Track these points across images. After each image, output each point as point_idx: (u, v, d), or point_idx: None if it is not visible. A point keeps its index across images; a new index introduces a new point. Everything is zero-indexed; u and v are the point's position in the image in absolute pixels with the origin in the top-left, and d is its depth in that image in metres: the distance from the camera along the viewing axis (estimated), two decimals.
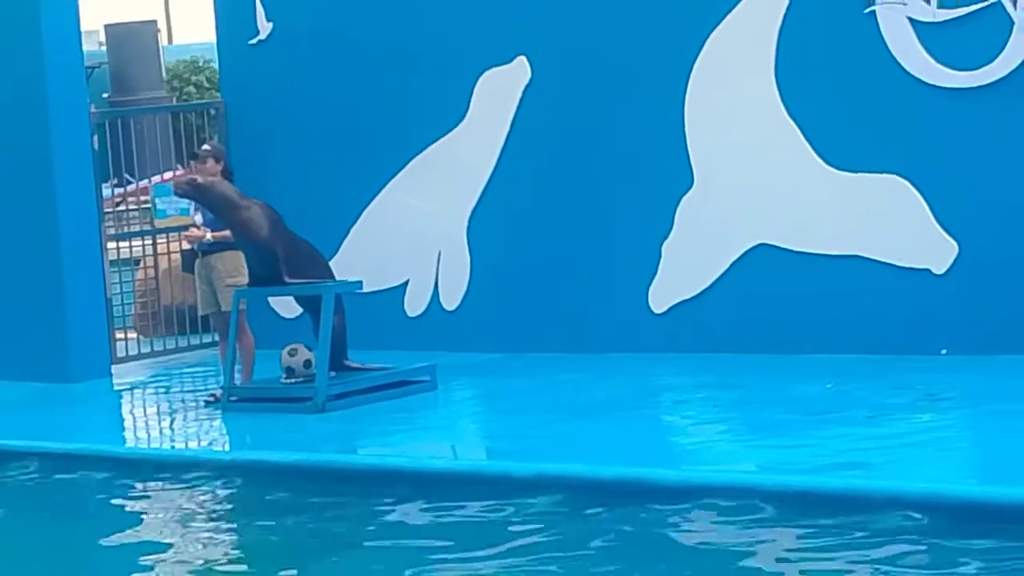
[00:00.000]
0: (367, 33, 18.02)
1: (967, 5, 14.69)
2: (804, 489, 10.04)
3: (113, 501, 13.02)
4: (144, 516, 12.60)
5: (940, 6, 14.93)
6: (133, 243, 21.04)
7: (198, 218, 16.13)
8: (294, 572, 10.37)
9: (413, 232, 17.73)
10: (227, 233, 15.40)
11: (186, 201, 17.71)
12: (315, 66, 18.38)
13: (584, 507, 10.72)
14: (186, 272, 17.54)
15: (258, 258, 15.24)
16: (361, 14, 18.21)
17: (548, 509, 10.84)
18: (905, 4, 15.02)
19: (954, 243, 14.61)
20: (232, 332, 15.53)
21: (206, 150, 16.74)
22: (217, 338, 16.86)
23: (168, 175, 22.42)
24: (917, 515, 9.32)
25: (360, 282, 15.72)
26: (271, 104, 18.82)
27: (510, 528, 10.59)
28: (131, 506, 12.91)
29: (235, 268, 15.52)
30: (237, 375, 15.63)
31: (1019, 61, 14.37)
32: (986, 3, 14.57)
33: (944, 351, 14.46)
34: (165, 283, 20.34)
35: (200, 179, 15.54)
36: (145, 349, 19.52)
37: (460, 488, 11.58)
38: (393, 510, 11.50)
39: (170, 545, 11.53)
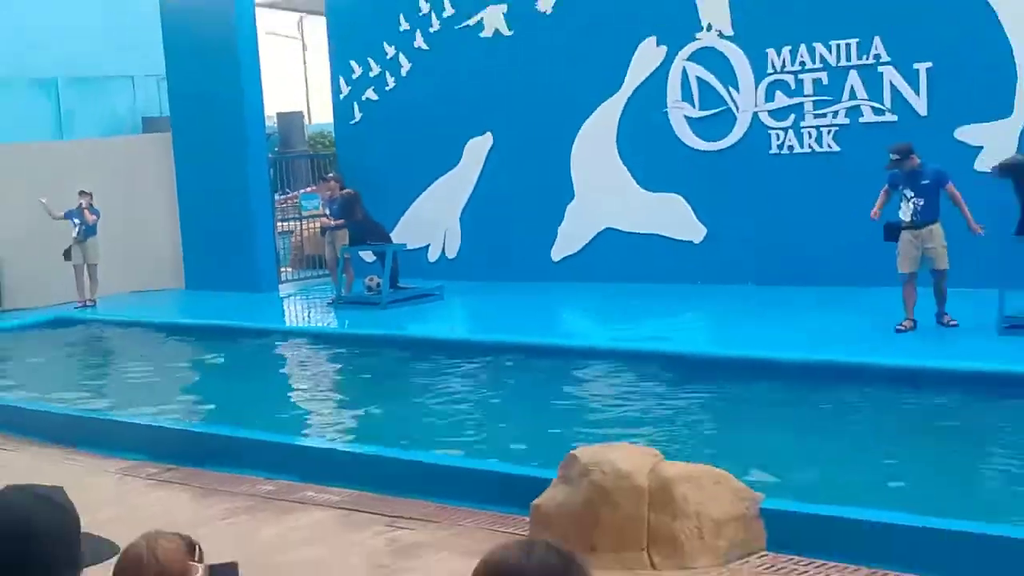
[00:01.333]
0: (415, 118, 19.06)
1: (711, 109, 16.23)
2: None
3: (274, 353, 14.87)
4: (291, 361, 14.62)
5: (699, 107, 16.30)
6: (290, 223, 22.77)
7: (326, 211, 18.43)
8: (376, 397, 11.88)
9: (432, 219, 19.32)
10: (341, 222, 17.49)
11: (318, 201, 20.13)
12: (382, 135, 19.76)
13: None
14: (322, 237, 18.75)
15: (356, 230, 17.46)
16: (407, 115, 19.17)
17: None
18: (683, 107, 16.46)
19: None
20: (340, 267, 17.78)
21: (331, 175, 18.78)
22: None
23: (308, 189, 23.59)
24: None
25: (404, 244, 18.30)
26: (362, 154, 20.11)
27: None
28: (285, 354, 14.83)
29: (345, 237, 17.66)
30: (343, 290, 17.73)
31: (743, 132, 15.93)
32: (721, 109, 16.20)
33: None
34: (305, 244, 22.20)
35: (343, 196, 17.51)
36: (294, 277, 21.41)
37: (458, 351, 13.03)
38: (420, 362, 13.01)
39: (300, 375, 13.84)
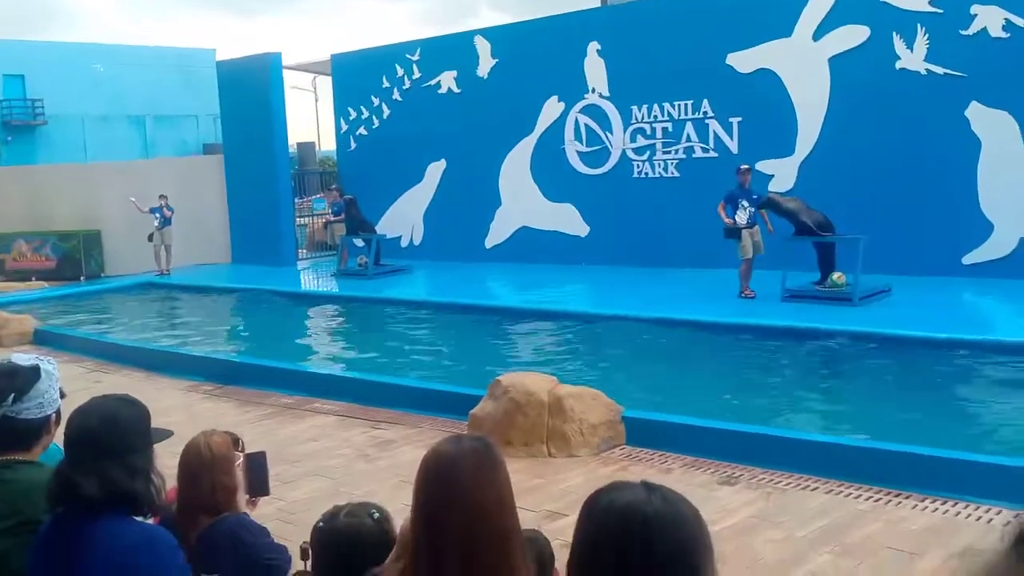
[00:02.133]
0: (392, 148, 18.64)
1: (594, 146, 15.91)
2: None
3: (293, 308, 13.89)
4: (305, 313, 13.62)
5: (586, 145, 15.93)
6: (305, 219, 22.11)
7: (330, 211, 18.16)
8: (364, 339, 11.77)
9: (404, 217, 18.85)
10: (340, 218, 17.26)
11: (325, 204, 19.32)
12: (370, 159, 19.27)
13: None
14: (326, 228, 18.97)
15: (351, 224, 17.07)
16: (387, 145, 18.58)
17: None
18: (575, 144, 16.08)
19: None
20: (339, 251, 17.51)
21: (334, 187, 18.64)
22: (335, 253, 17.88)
23: (319, 195, 23.56)
24: None
25: (385, 234, 17.66)
26: (356, 172, 19.55)
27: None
28: (301, 308, 13.93)
29: (343, 229, 17.37)
30: (341, 265, 17.23)
31: (615, 162, 15.55)
32: (600, 147, 15.82)
33: None
34: (315, 233, 21.48)
35: (344, 200, 16.77)
36: (308, 256, 20.65)
37: (421, 308, 12.70)
38: (394, 315, 12.80)
39: (311, 323, 13.07)
